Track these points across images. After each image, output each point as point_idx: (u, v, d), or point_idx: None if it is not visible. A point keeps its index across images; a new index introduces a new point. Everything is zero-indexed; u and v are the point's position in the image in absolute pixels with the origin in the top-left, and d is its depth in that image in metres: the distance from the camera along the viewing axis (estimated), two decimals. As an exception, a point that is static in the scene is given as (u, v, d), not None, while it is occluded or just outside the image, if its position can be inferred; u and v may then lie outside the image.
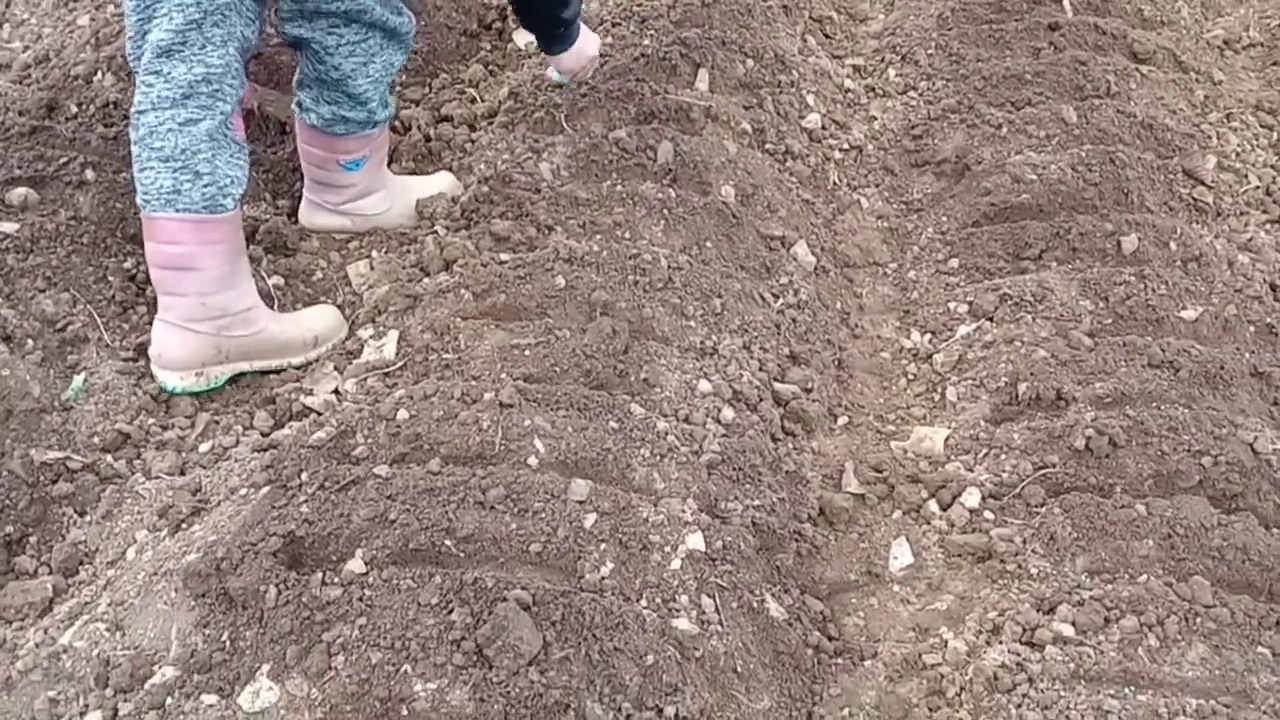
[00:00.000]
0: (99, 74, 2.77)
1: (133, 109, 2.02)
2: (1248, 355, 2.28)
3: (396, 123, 2.82)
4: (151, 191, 2.00)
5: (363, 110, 2.31)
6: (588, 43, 2.64)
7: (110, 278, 2.29)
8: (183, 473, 1.99)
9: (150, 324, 2.24)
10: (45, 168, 2.38)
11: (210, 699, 1.55)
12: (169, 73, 1.98)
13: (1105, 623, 1.73)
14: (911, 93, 3.12)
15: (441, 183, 2.63)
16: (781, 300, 2.40)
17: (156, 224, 2.02)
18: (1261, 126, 3.12)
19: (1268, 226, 2.77)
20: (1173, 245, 2.49)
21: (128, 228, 2.38)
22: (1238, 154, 2.95)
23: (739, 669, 1.67)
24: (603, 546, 1.74)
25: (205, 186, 2.00)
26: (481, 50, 3.14)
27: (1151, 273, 2.38)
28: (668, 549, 1.77)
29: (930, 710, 1.66)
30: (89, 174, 2.42)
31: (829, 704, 1.73)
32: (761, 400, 2.16)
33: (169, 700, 1.57)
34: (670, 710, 1.55)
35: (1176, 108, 2.96)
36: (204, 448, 2.04)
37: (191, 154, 1.98)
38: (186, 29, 1.96)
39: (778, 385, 2.22)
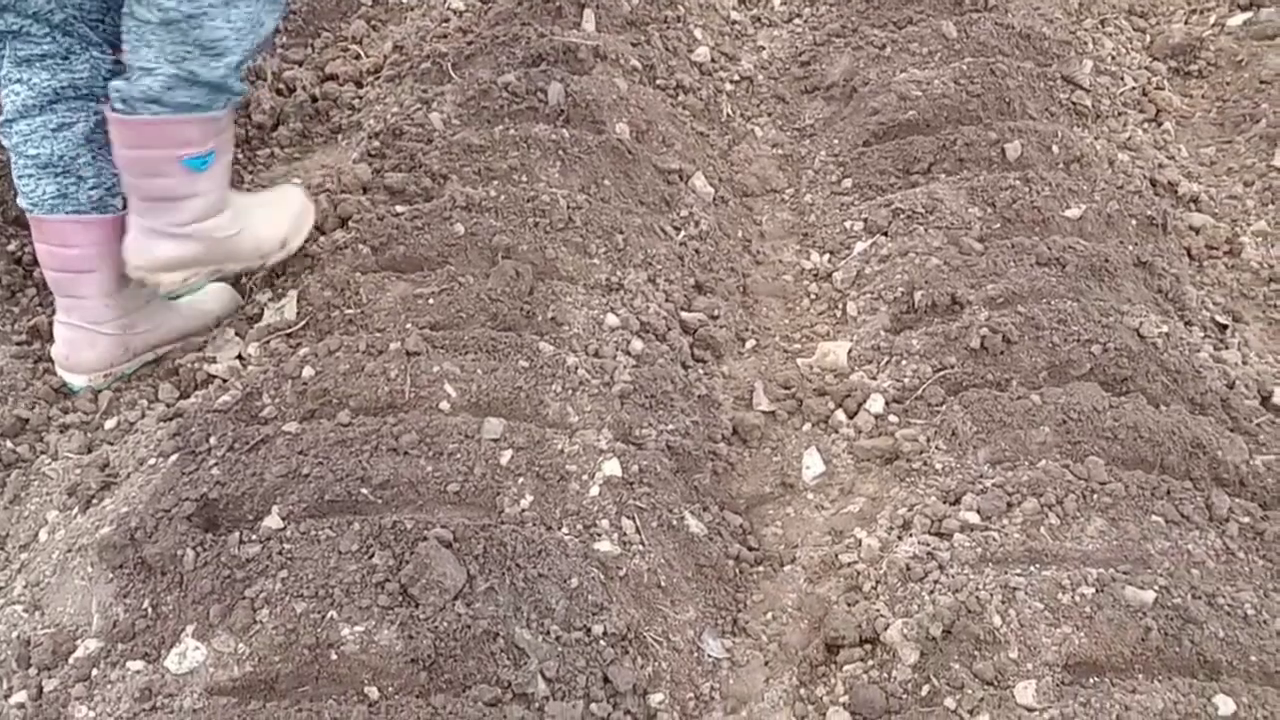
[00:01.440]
0: (-38, 56, 2.67)
1: (4, 106, 1.92)
2: (1131, 247, 2.37)
3: (280, 85, 2.77)
4: (35, 198, 1.92)
5: (218, 66, 1.79)
6: None
7: (-7, 261, 2.23)
8: (89, 450, 1.96)
9: (40, 306, 2.20)
10: (-87, 156, 2.30)
11: (136, 665, 1.55)
12: (31, 80, 1.88)
13: (1008, 507, 1.80)
14: (797, 20, 3.16)
15: (290, 203, 2.19)
16: (683, 232, 2.43)
17: (45, 225, 1.93)
18: (1134, 30, 3.22)
19: (1145, 125, 2.87)
20: (1055, 149, 2.57)
21: (8, 211, 2.31)
22: (1113, 58, 3.04)
23: (663, 584, 1.71)
24: (520, 480, 1.76)
25: (91, 189, 1.92)
26: (362, 5, 3.09)
27: (1036, 176, 2.45)
28: (585, 477, 1.80)
29: (849, 605, 1.72)
30: (-38, 159, 2.34)
31: (753, 609, 1.78)
32: (670, 330, 2.19)
33: (94, 671, 1.56)
34: (598, 628, 1.59)
35: (1053, 16, 3.04)
36: (109, 424, 2.01)
37: (71, 159, 1.90)
38: (42, 39, 1.86)
39: (685, 314, 2.26)
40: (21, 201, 1.94)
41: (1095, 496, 1.81)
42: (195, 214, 1.93)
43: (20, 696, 1.58)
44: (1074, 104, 2.77)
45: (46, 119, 1.89)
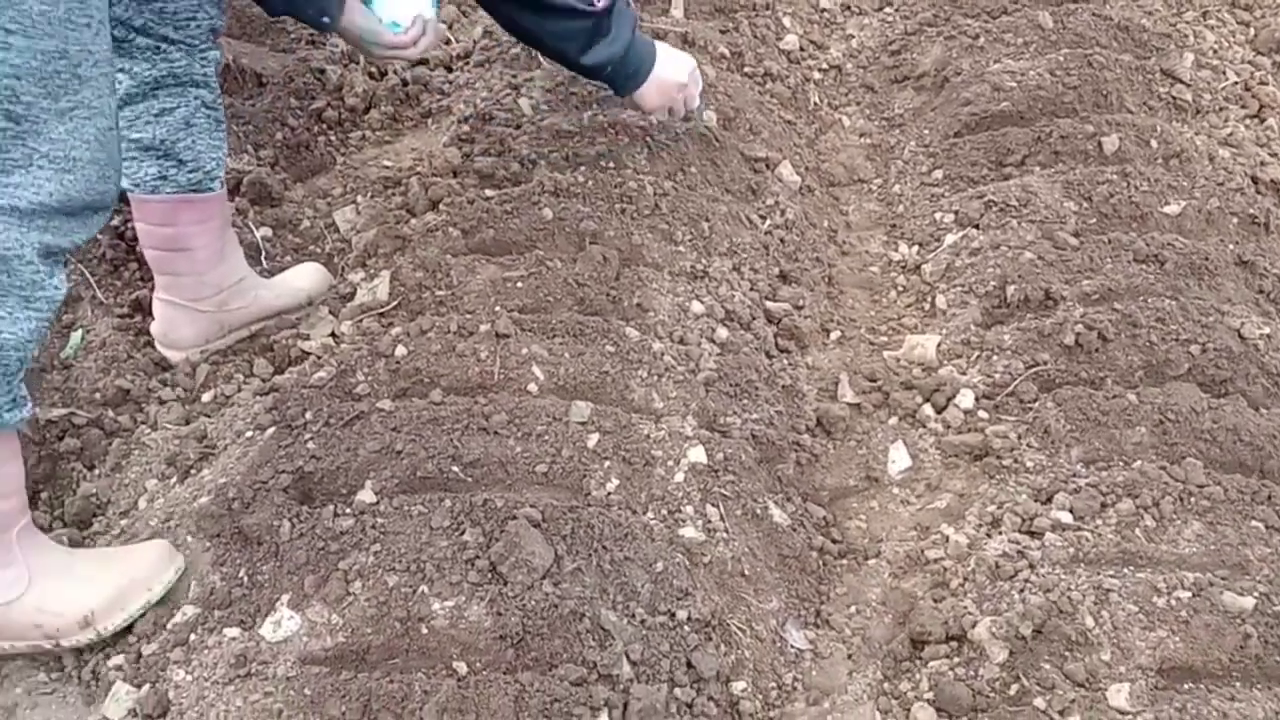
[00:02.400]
0: (70, 37, 2.75)
1: None
2: (1231, 246, 2.30)
3: (373, 69, 2.81)
4: (137, 178, 1.96)
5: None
6: (669, 67, 2.15)
7: (99, 236, 2.29)
8: (187, 422, 2.01)
9: (142, 280, 2.26)
10: (24, 131, 2.37)
11: (233, 631, 1.59)
12: (132, 69, 1.90)
13: (1102, 507, 1.77)
14: (887, 9, 3.12)
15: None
16: (769, 221, 2.42)
17: (146, 205, 1.99)
18: (1238, 23, 3.12)
19: (1247, 121, 2.79)
20: (1154, 143, 2.50)
21: (112, 187, 2.38)
22: (1215, 51, 2.95)
23: (746, 572, 1.71)
24: (607, 464, 1.77)
25: (190, 172, 1.96)
26: (453, -9, 3.12)
27: (1134, 171, 2.39)
28: (670, 463, 1.80)
29: (935, 601, 1.70)
30: (69, 135, 2.41)
31: (836, 602, 1.77)
32: (754, 319, 2.18)
33: (192, 637, 1.60)
34: (682, 613, 1.59)
35: (1152, 8, 2.96)
36: (206, 397, 2.06)
37: (172, 143, 1.93)
38: (131, 39, 1.87)
39: (769, 304, 2.24)
40: (123, 182, 1.99)
41: (1193, 499, 1.77)
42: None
43: (119, 659, 1.63)
44: (1174, 98, 2.70)
45: (149, 104, 1.92)
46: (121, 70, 1.91)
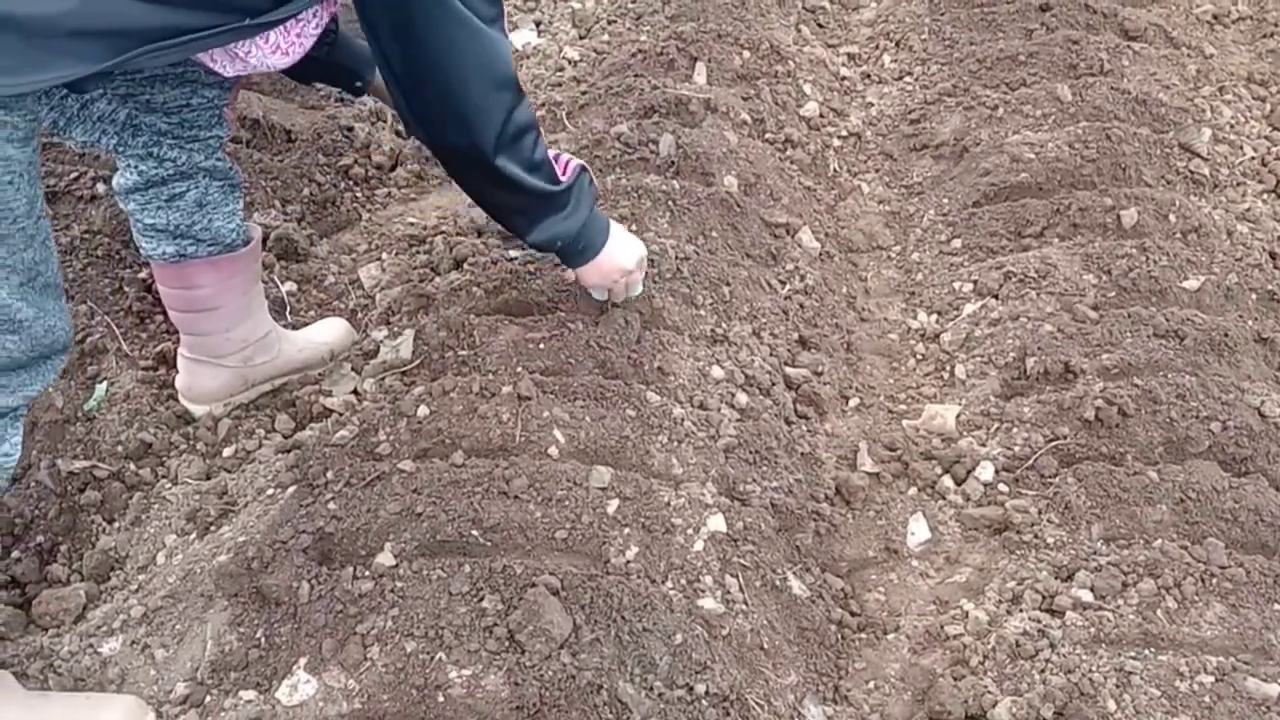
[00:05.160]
0: (103, 90, 2.80)
1: (115, 179, 1.91)
2: (1250, 322, 2.31)
3: (399, 128, 2.85)
4: (156, 255, 1.95)
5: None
6: (618, 251, 2.03)
7: (126, 289, 2.32)
8: (208, 477, 2.02)
9: (167, 333, 2.28)
10: (57, 183, 2.41)
11: (249, 695, 1.58)
12: (136, 166, 1.87)
13: (1123, 587, 1.76)
14: (907, 78, 3.16)
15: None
16: (789, 286, 2.43)
17: (165, 271, 1.97)
18: (1254, 98, 3.15)
19: (1264, 196, 2.81)
20: (1172, 217, 2.52)
21: (140, 240, 2.41)
22: (1232, 126, 2.98)
23: (765, 646, 1.70)
24: (626, 531, 1.77)
25: (210, 246, 1.95)
26: (480, 52, 3.16)
27: (1152, 245, 2.41)
28: (690, 531, 1.80)
29: (955, 679, 1.69)
30: (100, 187, 2.45)
31: (854, 677, 1.76)
32: (774, 385, 2.18)
33: (208, 698, 1.60)
34: (700, 687, 1.58)
35: (1169, 83, 3.00)
36: (227, 452, 2.07)
37: (187, 226, 1.92)
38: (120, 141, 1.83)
39: (789, 369, 2.25)
40: (143, 253, 1.98)
41: (1215, 581, 1.76)
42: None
43: (135, 716, 1.62)
44: (1191, 172, 2.72)
45: (158, 191, 1.89)
46: (126, 166, 1.87)
